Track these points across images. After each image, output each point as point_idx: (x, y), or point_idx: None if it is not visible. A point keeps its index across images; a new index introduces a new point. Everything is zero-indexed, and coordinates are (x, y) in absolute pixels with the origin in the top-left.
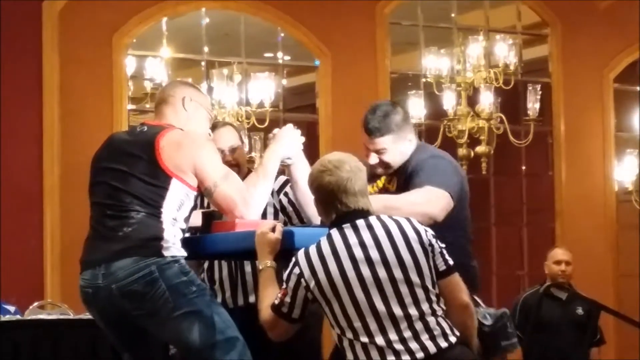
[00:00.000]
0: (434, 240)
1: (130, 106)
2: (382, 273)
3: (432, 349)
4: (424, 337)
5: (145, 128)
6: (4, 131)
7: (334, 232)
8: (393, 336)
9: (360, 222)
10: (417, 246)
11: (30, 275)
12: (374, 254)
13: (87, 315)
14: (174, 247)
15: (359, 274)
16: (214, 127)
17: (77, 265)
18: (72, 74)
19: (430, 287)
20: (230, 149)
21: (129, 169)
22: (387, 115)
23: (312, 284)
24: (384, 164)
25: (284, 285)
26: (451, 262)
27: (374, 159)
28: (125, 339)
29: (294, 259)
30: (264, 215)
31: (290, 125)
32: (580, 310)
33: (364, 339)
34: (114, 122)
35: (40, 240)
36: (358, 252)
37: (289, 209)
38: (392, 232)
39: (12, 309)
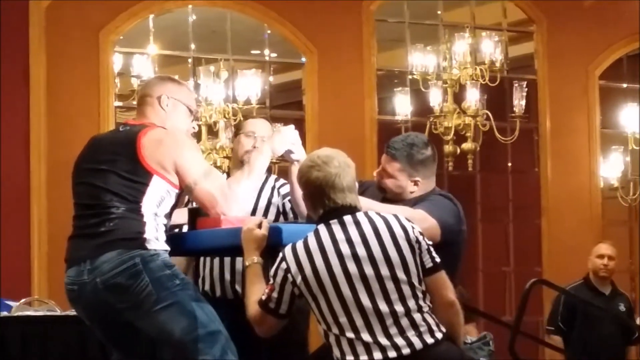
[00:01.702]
0: (420, 237)
1: (117, 103)
2: (368, 269)
3: (418, 344)
4: (410, 333)
5: (128, 127)
6: None
7: (322, 228)
8: (379, 332)
9: (348, 218)
10: (404, 243)
11: (17, 272)
12: (361, 250)
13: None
14: (157, 241)
15: (345, 270)
16: (253, 117)
17: (64, 262)
18: (59, 71)
19: (416, 283)
20: (260, 138)
21: (110, 167)
22: (411, 146)
23: (298, 279)
24: (384, 188)
25: (271, 281)
26: (437, 259)
27: (377, 174)
28: (112, 335)
29: (281, 254)
30: (266, 214)
31: (290, 127)
32: (622, 307)
33: (350, 334)
34: (100, 119)
35: (27, 237)
36: (345, 248)
37: (290, 215)
38: (379, 229)
39: (14, 304)
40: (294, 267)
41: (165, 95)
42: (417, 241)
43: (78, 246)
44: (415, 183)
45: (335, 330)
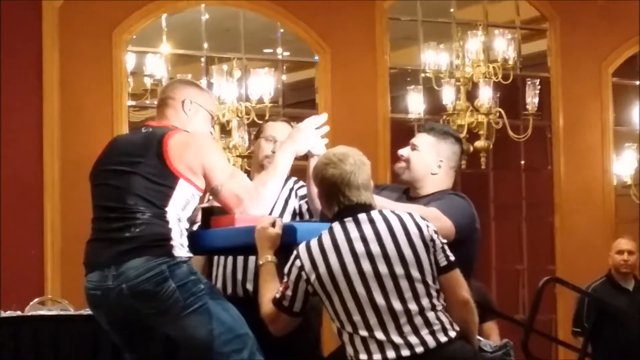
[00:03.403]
0: (435, 236)
1: (130, 102)
2: (382, 268)
3: (431, 343)
4: (424, 332)
5: (150, 129)
6: (4, 127)
7: (336, 226)
8: (392, 331)
9: (362, 216)
10: (418, 241)
11: (30, 272)
12: (375, 248)
13: (88, 311)
14: (182, 248)
15: (359, 268)
16: (274, 119)
17: (77, 261)
18: (72, 70)
19: (430, 282)
20: (281, 143)
21: (134, 169)
22: (447, 132)
23: (312, 277)
24: (406, 161)
25: (285, 279)
26: (452, 257)
27: (404, 150)
28: (130, 340)
29: (295, 252)
30: (282, 215)
31: (310, 119)
32: None
33: (364, 332)
34: (113, 118)
35: (40, 236)
36: (359, 246)
37: (306, 217)
38: (394, 227)
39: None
40: (308, 265)
41: (188, 100)
42: (432, 239)
43: (100, 251)
44: (439, 165)
45: (348, 328)
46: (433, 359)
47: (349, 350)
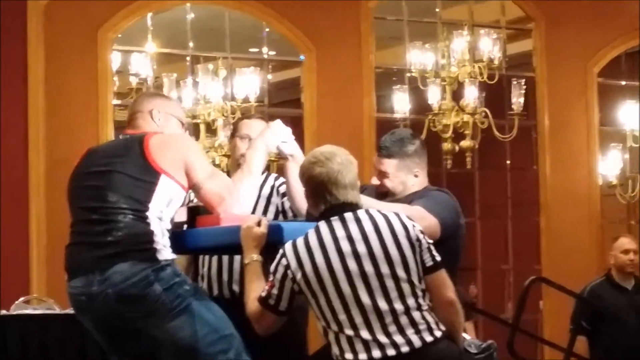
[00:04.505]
0: (421, 236)
1: (116, 101)
2: (368, 267)
3: (417, 343)
4: (410, 332)
5: (128, 135)
6: None
7: (322, 225)
8: (378, 330)
9: (349, 215)
10: (405, 241)
11: (15, 270)
12: (361, 247)
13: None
14: (165, 249)
15: (345, 267)
16: (248, 117)
17: (62, 260)
18: (58, 69)
19: (416, 282)
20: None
21: (114, 168)
22: (402, 140)
23: (298, 275)
24: (384, 188)
25: (271, 278)
26: (438, 258)
27: (375, 180)
28: (116, 344)
29: (281, 251)
30: (265, 213)
31: (277, 121)
32: None
33: (349, 332)
34: (99, 117)
35: (26, 235)
36: (345, 246)
37: (290, 214)
38: (380, 226)
39: None
40: (294, 264)
41: (156, 110)
42: (418, 239)
43: (82, 255)
44: (415, 175)
45: (334, 327)
46: (419, 358)
47: (335, 349)
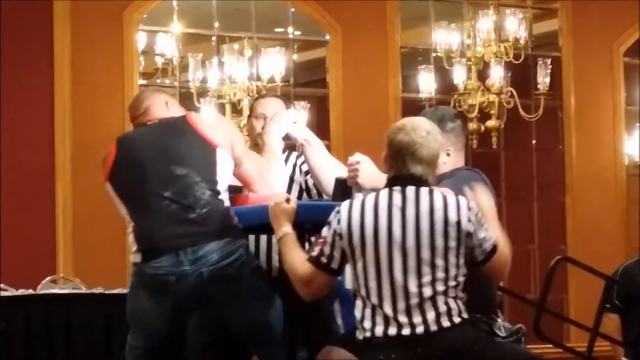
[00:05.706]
0: (472, 229)
1: (142, 82)
2: (410, 246)
3: (433, 326)
4: (430, 315)
5: (157, 120)
6: (15, 109)
7: (383, 192)
8: (401, 309)
9: (411, 189)
10: (454, 233)
11: (42, 251)
12: (410, 226)
13: (100, 290)
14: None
15: (389, 238)
16: (263, 96)
17: (89, 240)
18: (83, 50)
19: (452, 273)
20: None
21: (173, 146)
22: (442, 116)
23: (347, 235)
24: None
25: (323, 234)
26: (489, 248)
27: None
28: (172, 330)
29: (336, 209)
30: (289, 191)
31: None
32: None
33: (375, 300)
34: (125, 98)
35: (52, 215)
36: (397, 217)
37: (314, 191)
38: (435, 210)
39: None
40: (345, 223)
41: (170, 102)
42: (469, 234)
43: (166, 232)
44: (448, 153)
45: (363, 292)
46: (432, 341)
47: (357, 313)
